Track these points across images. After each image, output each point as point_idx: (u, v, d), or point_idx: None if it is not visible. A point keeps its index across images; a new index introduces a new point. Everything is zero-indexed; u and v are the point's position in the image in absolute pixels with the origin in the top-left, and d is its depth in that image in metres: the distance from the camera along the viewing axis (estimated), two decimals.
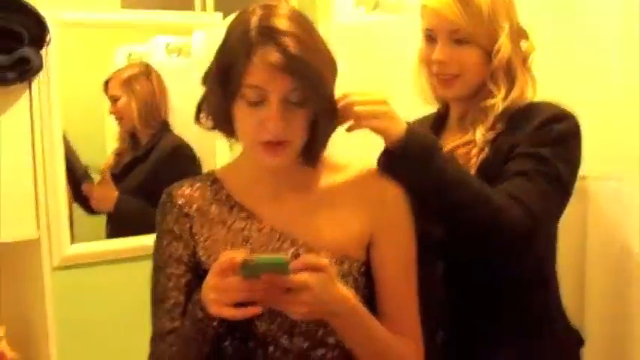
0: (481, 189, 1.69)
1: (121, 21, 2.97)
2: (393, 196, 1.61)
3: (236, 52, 1.47)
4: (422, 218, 1.63)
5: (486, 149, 1.81)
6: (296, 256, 1.43)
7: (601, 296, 2.22)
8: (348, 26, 3.01)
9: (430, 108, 2.02)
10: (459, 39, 1.82)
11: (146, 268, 1.64)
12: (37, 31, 2.40)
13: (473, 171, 1.79)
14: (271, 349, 1.53)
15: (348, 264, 1.54)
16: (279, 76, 1.44)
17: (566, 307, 1.93)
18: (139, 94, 3.13)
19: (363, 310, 1.49)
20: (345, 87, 1.62)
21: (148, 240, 1.71)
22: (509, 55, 1.83)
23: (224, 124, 1.57)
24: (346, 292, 1.45)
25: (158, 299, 1.58)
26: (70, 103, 2.82)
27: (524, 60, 1.88)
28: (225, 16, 3.01)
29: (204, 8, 3.14)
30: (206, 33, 3.07)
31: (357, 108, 1.60)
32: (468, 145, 1.83)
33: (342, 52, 1.63)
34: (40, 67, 2.41)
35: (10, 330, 2.48)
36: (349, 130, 1.64)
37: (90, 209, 3.07)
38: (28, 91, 2.43)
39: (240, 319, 1.40)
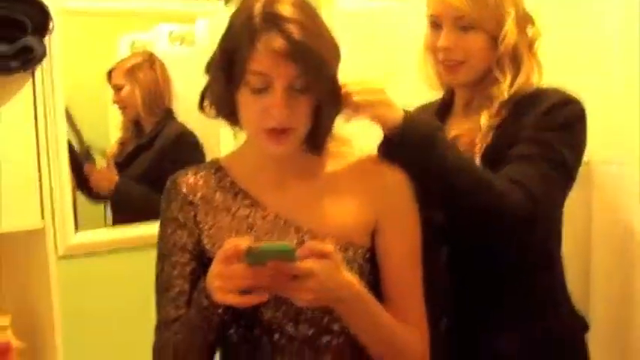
0: (482, 174, 1.69)
1: (125, 9, 2.96)
2: (397, 183, 1.61)
3: (240, 39, 1.47)
4: (424, 204, 1.63)
5: (491, 135, 1.80)
6: (301, 243, 1.43)
7: (606, 279, 2.23)
8: (351, 12, 3.00)
9: (435, 94, 2.02)
10: (464, 25, 1.82)
11: (151, 256, 1.64)
12: (40, 19, 2.39)
13: (477, 157, 1.79)
14: (276, 336, 1.53)
15: (353, 250, 1.54)
16: (283, 63, 1.44)
17: (571, 293, 1.93)
18: (142, 82, 3.13)
19: (368, 296, 1.49)
20: (348, 73, 1.61)
21: (152, 228, 1.70)
22: (516, 41, 1.82)
23: (228, 112, 1.57)
24: (352, 279, 1.45)
25: (163, 287, 1.58)
26: (73, 92, 2.82)
27: (530, 46, 1.87)
28: (226, 3, 3.00)
29: None
30: (209, 21, 3.06)
31: (354, 97, 1.59)
32: (473, 132, 1.82)
33: (345, 39, 1.63)
34: (43, 56, 2.40)
35: (16, 320, 2.48)
36: (347, 119, 1.64)
37: (93, 195, 3.08)
38: (31, 79, 2.41)
39: (246, 306, 1.40)
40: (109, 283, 2.85)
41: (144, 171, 3.10)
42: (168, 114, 3.19)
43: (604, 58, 2.18)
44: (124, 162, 3.15)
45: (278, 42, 1.43)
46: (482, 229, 1.71)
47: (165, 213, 1.62)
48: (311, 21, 1.48)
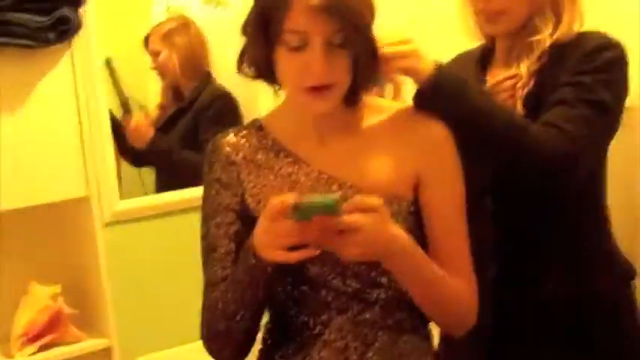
0: (517, 119, 1.68)
1: None
2: (438, 135, 1.59)
3: None
4: (464, 156, 1.62)
5: (532, 82, 1.78)
6: (345, 198, 1.42)
7: None
8: None
9: (473, 44, 2.00)
10: None
11: (195, 220, 1.65)
12: None
13: (519, 104, 1.77)
14: (324, 292, 1.54)
15: (397, 204, 1.53)
16: (320, 19, 1.43)
17: (618, 241, 1.91)
18: (179, 47, 3.14)
19: (416, 249, 1.48)
20: (385, 26, 1.60)
21: (195, 192, 1.71)
22: None
23: (266, 72, 1.56)
24: (399, 232, 1.44)
25: (209, 248, 1.59)
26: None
27: None
28: None
29: None
30: None
31: (384, 49, 1.58)
32: (514, 79, 1.80)
33: None
34: (79, 26, 2.41)
35: (66, 287, 2.52)
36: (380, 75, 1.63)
37: (134, 160, 3.10)
38: (69, 50, 2.43)
39: (294, 262, 1.40)
40: (155, 247, 2.89)
41: (183, 134, 3.11)
42: (207, 77, 3.19)
43: None
44: (164, 127, 3.16)
45: None
46: (523, 177, 1.69)
47: (208, 175, 1.63)
48: None
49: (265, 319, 1.62)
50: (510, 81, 1.81)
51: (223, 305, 1.52)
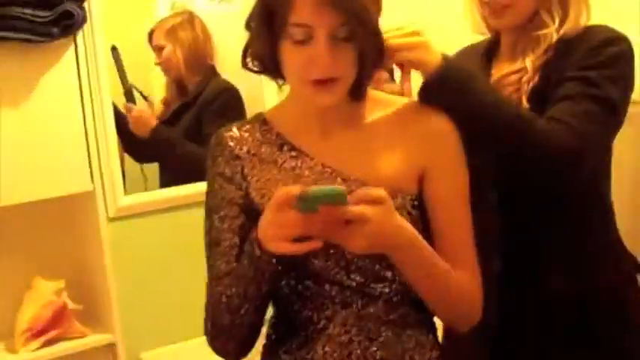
0: (523, 113, 1.68)
1: None
2: (443, 128, 1.59)
3: None
4: (470, 150, 1.61)
5: (537, 76, 1.78)
6: (349, 192, 1.41)
7: None
8: None
9: (480, 38, 1.99)
10: None
11: (199, 215, 1.64)
12: None
13: (524, 98, 1.77)
14: (327, 286, 1.53)
15: (401, 197, 1.53)
16: (325, 12, 1.42)
17: (622, 234, 1.91)
18: (183, 42, 3.13)
19: (421, 242, 1.47)
20: (390, 20, 1.59)
21: (199, 187, 1.71)
22: None
23: (271, 66, 1.55)
24: (405, 224, 1.44)
25: (213, 242, 1.58)
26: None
27: None
28: None
29: None
30: None
31: (391, 40, 1.57)
32: (519, 73, 1.80)
33: None
34: (83, 21, 2.41)
35: (70, 282, 2.52)
36: (386, 66, 1.62)
37: (138, 156, 3.09)
38: (73, 45, 2.43)
39: (300, 254, 1.40)
40: (159, 242, 2.88)
41: (188, 129, 3.11)
42: (211, 72, 3.19)
43: None
44: (168, 121, 3.15)
45: None
46: (528, 171, 1.69)
47: (211, 169, 1.62)
48: None
49: (269, 313, 1.62)
50: (516, 75, 1.81)
51: (227, 299, 1.51)
